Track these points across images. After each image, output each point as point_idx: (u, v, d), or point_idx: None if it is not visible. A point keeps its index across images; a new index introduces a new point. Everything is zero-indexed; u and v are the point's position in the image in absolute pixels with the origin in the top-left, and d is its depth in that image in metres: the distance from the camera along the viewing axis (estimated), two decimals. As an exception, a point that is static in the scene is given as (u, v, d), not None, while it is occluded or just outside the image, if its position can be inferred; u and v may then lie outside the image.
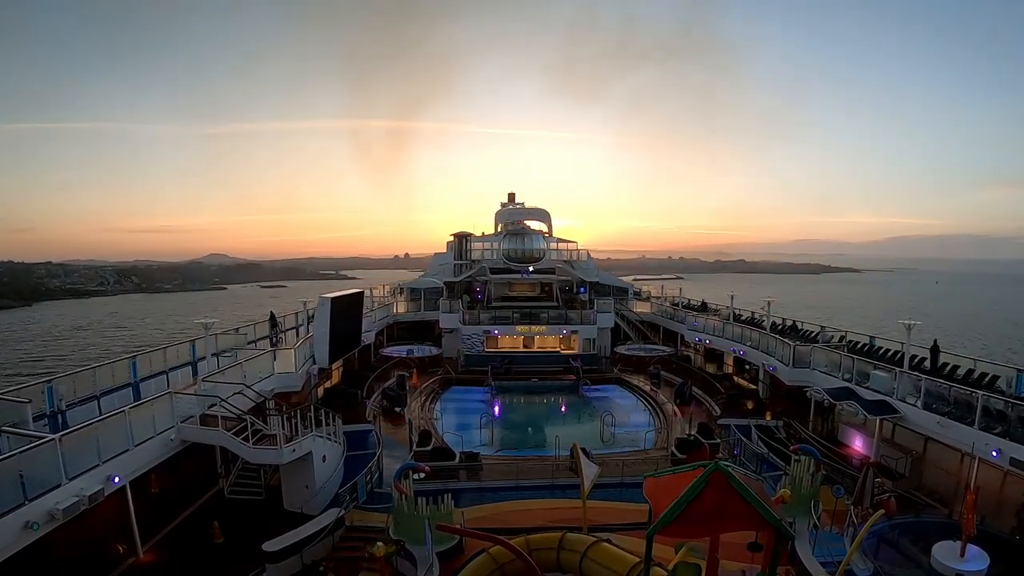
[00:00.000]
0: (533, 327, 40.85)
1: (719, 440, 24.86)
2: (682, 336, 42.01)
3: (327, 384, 32.40)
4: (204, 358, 22.44)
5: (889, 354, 27.10)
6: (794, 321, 36.83)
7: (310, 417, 19.50)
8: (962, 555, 13.23)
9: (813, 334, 32.71)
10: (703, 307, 45.08)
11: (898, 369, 22.66)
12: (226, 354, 24.70)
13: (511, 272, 46.69)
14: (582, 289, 47.48)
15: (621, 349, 41.93)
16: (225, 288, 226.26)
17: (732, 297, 40.19)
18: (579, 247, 51.20)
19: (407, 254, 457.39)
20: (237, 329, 29.91)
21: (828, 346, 28.86)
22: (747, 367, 34.65)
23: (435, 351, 40.81)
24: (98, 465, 14.36)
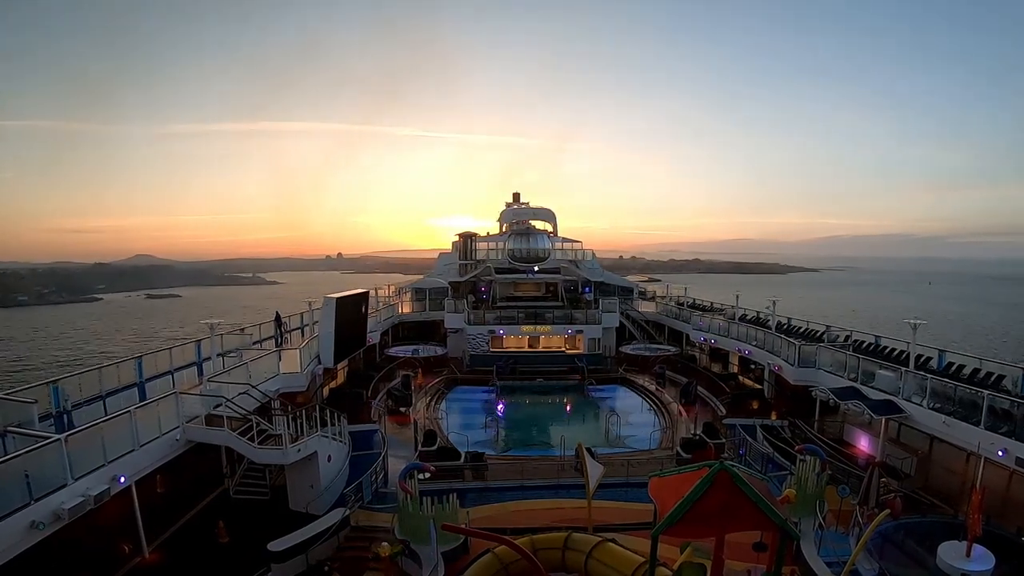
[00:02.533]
0: (538, 327, 40.82)
1: (724, 440, 24.81)
2: (687, 336, 41.93)
3: (332, 384, 32.51)
4: (209, 358, 22.52)
5: (895, 354, 26.98)
6: (789, 318, 36.77)
7: (315, 417, 19.50)
8: (968, 555, 13.14)
9: (818, 333, 32.60)
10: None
11: (904, 369, 22.58)
12: (231, 354, 24.74)
13: (516, 272, 46.73)
14: (587, 289, 47.44)
15: (626, 349, 41.77)
16: (101, 299, 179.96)
17: (737, 297, 40.14)
18: (584, 247, 51.23)
19: (340, 254, 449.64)
20: (242, 329, 30.01)
21: (833, 346, 28.75)
22: (752, 367, 34.56)
23: (440, 351, 40.74)
24: (104, 465, 14.43)
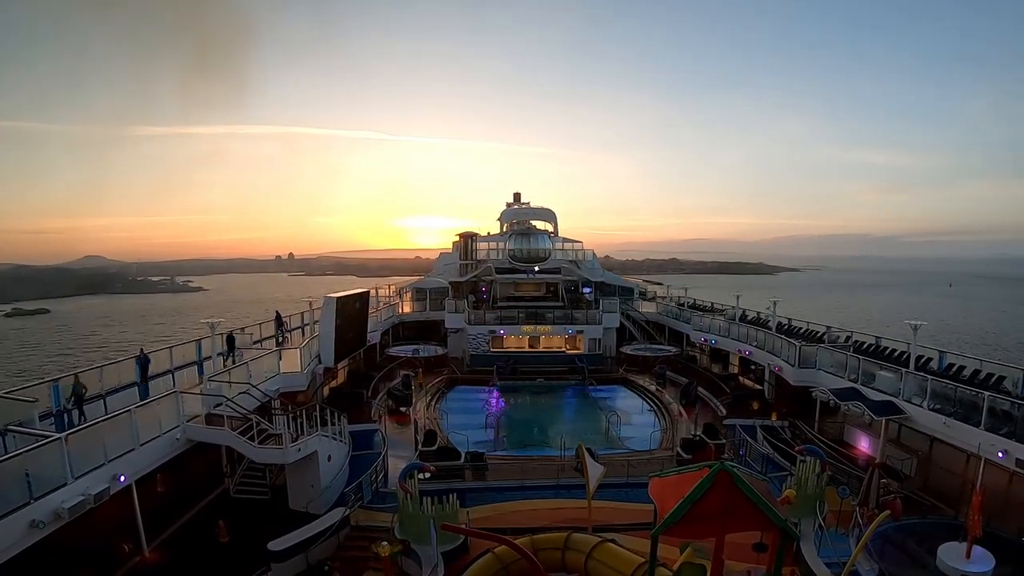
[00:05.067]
0: (539, 327, 40.78)
1: (724, 440, 24.79)
2: (687, 336, 41.91)
3: (333, 384, 32.49)
4: (210, 357, 22.52)
5: (895, 354, 26.97)
6: (790, 319, 36.82)
7: (316, 417, 19.53)
8: (968, 556, 13.14)
9: (819, 334, 32.58)
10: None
11: (904, 370, 22.56)
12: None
13: (517, 272, 46.70)
14: (587, 289, 47.43)
15: (626, 349, 41.83)
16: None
17: (738, 298, 40.14)
18: (584, 247, 51.21)
19: (291, 254, 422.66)
20: (243, 329, 30.02)
21: (834, 346, 28.73)
22: (753, 367, 34.56)
23: (441, 351, 40.79)
24: (104, 464, 14.45)
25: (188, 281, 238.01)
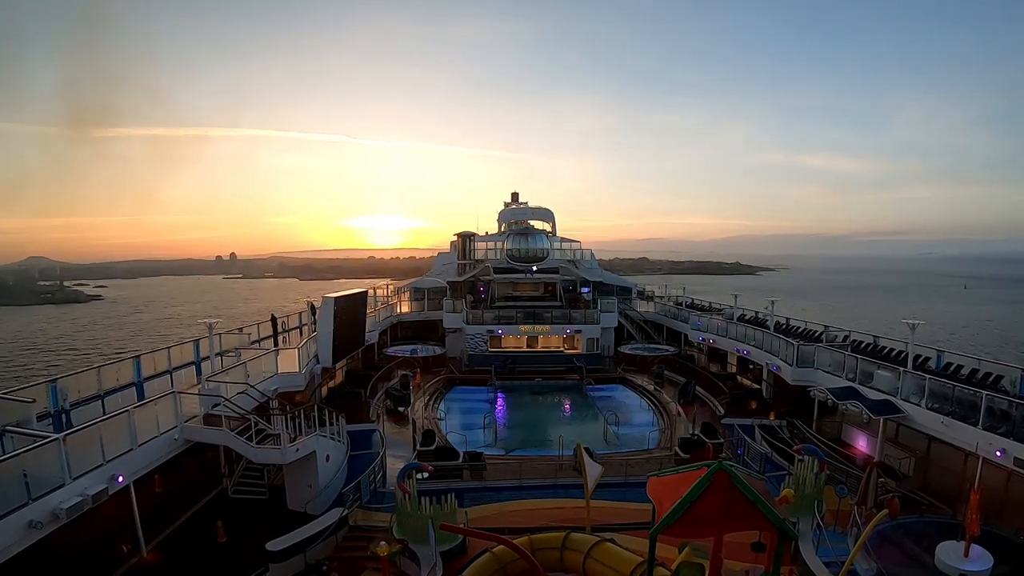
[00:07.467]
0: (537, 327, 40.81)
1: (723, 440, 24.84)
2: (686, 336, 41.95)
3: (331, 384, 32.48)
4: (207, 358, 22.49)
5: (893, 354, 27.01)
6: (788, 319, 36.87)
7: (314, 417, 19.50)
8: (966, 555, 13.15)
9: (817, 334, 32.62)
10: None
11: (902, 369, 22.58)
12: (230, 354, 24.73)
13: (515, 272, 46.72)
14: (586, 288, 47.46)
15: (625, 349, 41.89)
16: None
17: (736, 297, 40.18)
18: (582, 246, 51.26)
19: (233, 254, 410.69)
20: (240, 329, 30.00)
21: (832, 346, 28.76)
22: (751, 367, 34.58)
23: (439, 351, 40.83)
24: (102, 464, 14.39)
25: (100, 285, 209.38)
